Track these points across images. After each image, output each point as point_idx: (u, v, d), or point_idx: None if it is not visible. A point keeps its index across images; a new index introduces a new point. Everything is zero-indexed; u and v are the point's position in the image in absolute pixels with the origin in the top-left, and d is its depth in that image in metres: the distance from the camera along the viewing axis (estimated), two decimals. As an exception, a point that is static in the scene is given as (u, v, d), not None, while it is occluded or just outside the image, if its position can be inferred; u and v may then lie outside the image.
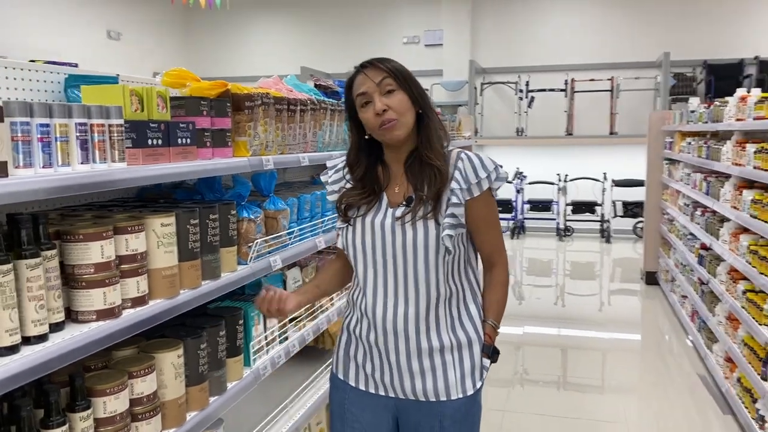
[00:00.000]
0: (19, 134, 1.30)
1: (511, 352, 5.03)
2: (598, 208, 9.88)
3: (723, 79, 9.52)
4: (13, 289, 1.30)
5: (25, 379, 1.26)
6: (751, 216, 3.44)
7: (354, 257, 1.80)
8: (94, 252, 1.51)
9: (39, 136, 1.36)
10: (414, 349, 1.74)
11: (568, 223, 10.03)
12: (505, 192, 9.97)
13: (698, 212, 4.81)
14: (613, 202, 9.82)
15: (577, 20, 10.42)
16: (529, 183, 10.07)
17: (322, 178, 1.94)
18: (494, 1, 10.65)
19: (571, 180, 9.97)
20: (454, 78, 10.57)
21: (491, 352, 1.80)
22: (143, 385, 1.67)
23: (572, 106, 10.08)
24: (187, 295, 1.82)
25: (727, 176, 4.10)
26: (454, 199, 1.69)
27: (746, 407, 3.42)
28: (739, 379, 3.59)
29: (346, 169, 1.86)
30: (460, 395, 1.75)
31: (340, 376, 1.91)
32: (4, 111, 1.26)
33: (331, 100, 2.95)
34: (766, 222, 3.24)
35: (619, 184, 9.75)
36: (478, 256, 1.86)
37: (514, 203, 10.11)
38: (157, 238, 1.72)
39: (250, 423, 2.48)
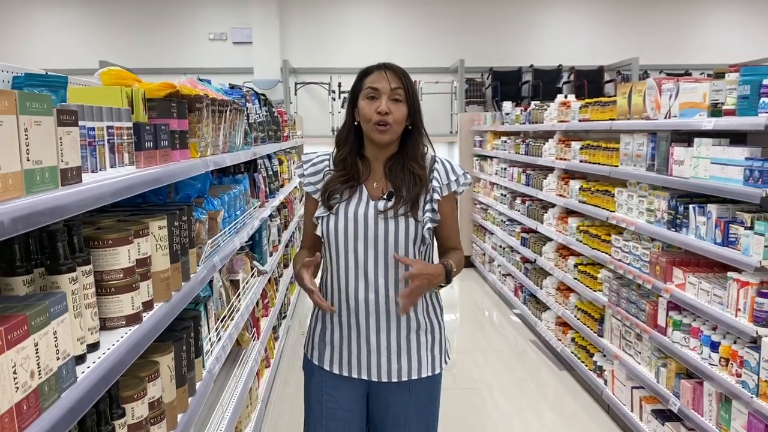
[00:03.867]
0: (87, 138, 1.27)
1: None
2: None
3: (506, 84, 10.83)
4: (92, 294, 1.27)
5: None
6: (579, 201, 4.14)
7: (335, 244, 1.92)
8: (122, 257, 1.49)
9: (89, 140, 1.33)
10: (394, 327, 1.94)
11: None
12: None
13: (518, 201, 5.57)
14: (421, 196, 10.67)
15: (383, 26, 11.08)
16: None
17: (297, 172, 2.06)
18: (300, 2, 10.88)
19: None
20: (266, 77, 10.61)
21: (448, 270, 1.91)
22: (154, 390, 1.66)
23: (381, 107, 10.71)
24: (177, 297, 1.82)
25: (550, 169, 4.85)
26: (435, 196, 1.93)
27: (583, 362, 4.12)
28: (573, 339, 4.30)
29: (325, 163, 2.01)
30: (429, 373, 1.99)
31: (315, 361, 2.04)
32: (78, 115, 1.22)
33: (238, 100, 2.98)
34: (593, 206, 3.94)
35: (425, 178, 10.61)
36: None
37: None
38: (156, 242, 1.71)
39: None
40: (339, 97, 10.58)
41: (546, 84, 10.75)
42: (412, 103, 1.90)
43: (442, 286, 1.95)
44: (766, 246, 2.33)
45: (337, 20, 11.04)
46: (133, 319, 1.52)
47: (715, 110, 2.67)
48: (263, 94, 4.55)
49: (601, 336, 3.84)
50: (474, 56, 10.68)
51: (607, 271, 3.78)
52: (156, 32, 10.66)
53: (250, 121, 3.44)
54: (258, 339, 3.61)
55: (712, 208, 2.70)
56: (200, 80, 2.77)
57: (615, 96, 3.70)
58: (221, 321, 2.63)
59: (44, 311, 1.07)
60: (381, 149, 1.96)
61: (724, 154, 2.61)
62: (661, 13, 11.41)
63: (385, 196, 1.92)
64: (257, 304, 3.74)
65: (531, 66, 10.97)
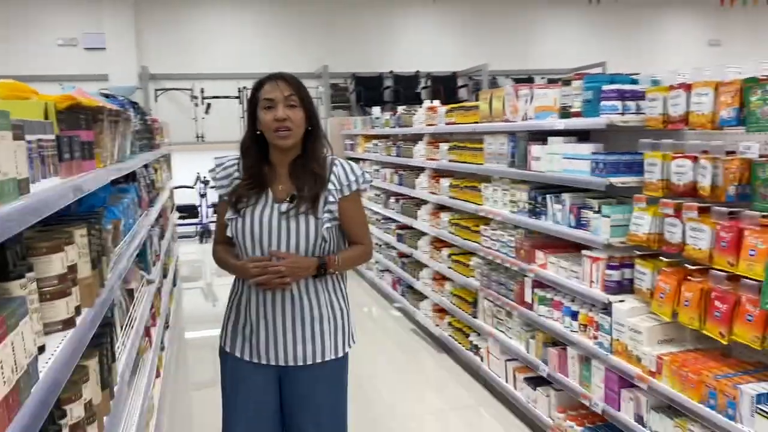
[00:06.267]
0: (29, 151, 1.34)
1: (209, 354, 5.08)
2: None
3: (369, 89, 11.25)
4: (36, 299, 1.33)
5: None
6: (450, 197, 4.52)
7: (244, 244, 2.11)
8: (56, 264, 1.55)
9: (29, 153, 1.39)
10: (298, 319, 2.13)
11: (252, 223, 10.64)
12: (190, 197, 10.10)
13: (392, 200, 5.90)
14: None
15: (246, 32, 11.05)
16: (212, 187, 10.34)
17: (210, 175, 2.23)
18: (157, 6, 10.59)
19: (251, 182, 10.59)
20: (123, 84, 10.20)
21: (322, 263, 2.10)
22: (86, 392, 1.72)
23: (247, 113, 10.69)
24: (98, 303, 1.88)
25: (421, 168, 5.21)
26: (330, 198, 2.12)
27: (460, 343, 4.50)
28: (450, 323, 4.68)
29: (234, 168, 2.17)
30: (334, 356, 2.19)
31: (228, 349, 2.21)
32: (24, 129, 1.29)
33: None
34: (462, 200, 4.33)
35: (294, 183, 10.75)
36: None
37: (199, 208, 10.29)
38: (79, 249, 1.76)
39: None
40: (203, 103, 10.44)
41: (406, 89, 11.29)
42: (308, 107, 2.08)
43: (316, 276, 2.12)
44: (612, 226, 2.77)
45: (198, 25, 10.88)
46: (69, 323, 1.58)
47: (565, 112, 3.11)
48: (136, 102, 4.50)
49: (476, 317, 4.23)
50: (338, 62, 10.97)
51: (478, 258, 4.18)
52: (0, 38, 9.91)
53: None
54: (151, 348, 3.60)
55: (566, 196, 3.13)
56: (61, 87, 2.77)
57: (476, 101, 4.10)
58: (123, 329, 2.65)
59: (14, 312, 1.15)
60: (284, 153, 2.12)
61: (573, 150, 3.05)
62: (507, 23, 12.37)
63: (287, 198, 2.10)
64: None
65: (391, 72, 11.46)
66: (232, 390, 2.20)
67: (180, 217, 10.34)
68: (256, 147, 2.13)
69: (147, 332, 3.65)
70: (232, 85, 10.68)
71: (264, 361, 2.15)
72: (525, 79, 11.72)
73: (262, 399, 2.17)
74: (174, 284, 6.12)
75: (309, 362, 2.15)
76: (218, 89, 10.58)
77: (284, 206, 2.08)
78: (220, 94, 10.54)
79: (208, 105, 10.45)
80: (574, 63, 11.94)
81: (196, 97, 10.45)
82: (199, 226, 10.28)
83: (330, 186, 2.12)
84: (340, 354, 2.21)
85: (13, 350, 1.11)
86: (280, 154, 2.13)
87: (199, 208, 10.27)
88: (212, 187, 2.24)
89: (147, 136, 4.41)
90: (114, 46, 10.26)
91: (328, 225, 2.11)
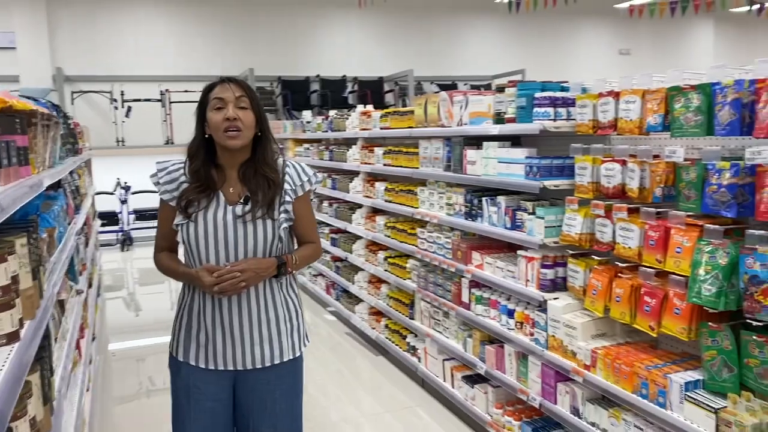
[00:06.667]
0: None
1: (133, 365, 5.07)
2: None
3: (296, 93, 11.19)
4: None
5: None
6: (385, 201, 4.58)
7: (197, 248, 2.06)
8: (0, 275, 1.48)
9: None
10: (255, 321, 2.11)
11: (177, 229, 10.34)
12: (110, 204, 9.73)
13: (326, 204, 5.90)
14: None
15: (167, 33, 10.75)
16: (134, 193, 10.03)
17: (152, 180, 2.14)
18: (72, 4, 10.15)
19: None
20: (35, 85, 9.71)
21: (281, 262, 2.09)
22: (31, 408, 1.64)
23: (170, 116, 10.41)
24: (39, 315, 1.80)
25: (355, 173, 5.24)
26: (287, 198, 2.14)
27: (397, 344, 4.56)
28: (386, 325, 4.72)
29: (180, 172, 2.12)
30: (291, 357, 2.19)
31: (181, 358, 2.15)
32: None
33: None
34: (398, 204, 4.40)
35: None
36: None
37: (119, 215, 9.92)
38: (20, 259, 1.69)
39: None
40: (123, 106, 10.08)
41: (333, 93, 11.30)
42: (258, 111, 2.08)
43: (276, 276, 2.10)
44: (546, 227, 2.89)
45: (116, 25, 10.50)
46: (14, 336, 1.51)
47: (499, 118, 3.23)
48: (57, 105, 4.32)
49: (413, 319, 4.29)
50: (263, 65, 10.85)
51: (414, 260, 4.25)
52: None
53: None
54: (81, 361, 3.46)
55: (501, 199, 3.24)
56: None
57: (403, 106, 4.18)
58: (56, 342, 2.54)
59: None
60: (234, 156, 2.11)
61: (508, 154, 3.16)
62: (431, 30, 12.61)
63: (241, 201, 2.07)
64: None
65: (318, 76, 11.44)
66: (184, 398, 2.15)
67: (101, 225, 9.98)
68: (203, 150, 2.10)
69: (77, 345, 3.50)
70: (153, 87, 10.37)
71: (221, 367, 2.11)
72: (449, 85, 11.99)
73: (215, 405, 2.13)
74: (98, 294, 5.89)
75: (267, 364, 2.13)
76: (139, 92, 10.25)
77: (239, 209, 2.06)
78: (141, 96, 10.21)
79: (129, 108, 10.09)
80: (495, 70, 12.32)
81: (115, 100, 10.08)
82: (120, 234, 9.90)
83: (286, 186, 2.14)
84: (297, 353, 2.21)
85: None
86: (229, 156, 2.11)
87: (119, 215, 9.90)
88: (156, 193, 2.14)
89: (71, 140, 4.23)
90: (25, 45, 9.75)
91: (285, 225, 2.12)
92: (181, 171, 2.13)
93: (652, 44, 14.26)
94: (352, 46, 11.96)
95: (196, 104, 2.13)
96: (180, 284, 2.24)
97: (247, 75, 10.46)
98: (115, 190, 9.86)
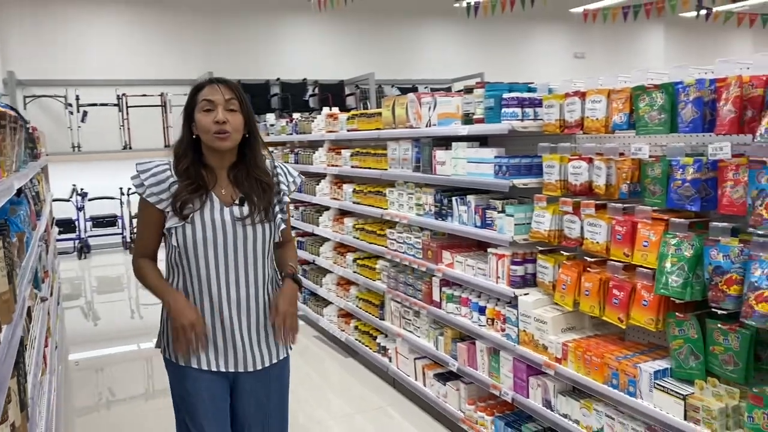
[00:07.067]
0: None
1: (92, 376, 5.00)
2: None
3: (256, 96, 11.10)
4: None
5: None
6: (353, 203, 4.60)
7: (194, 251, 2.02)
8: (-20, 278, 1.45)
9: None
10: (254, 322, 2.11)
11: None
12: (66, 211, 9.50)
13: (292, 207, 5.88)
14: (178, 211, 10.38)
15: (124, 37, 10.55)
16: (91, 199, 9.81)
17: (134, 182, 2.06)
18: (21, 8, 9.88)
19: (134, 193, 10.08)
20: (-15, 89, 9.44)
21: (296, 279, 2.19)
22: (11, 413, 1.62)
23: (127, 121, 10.22)
24: (15, 319, 1.77)
25: (322, 175, 5.24)
26: (285, 199, 2.15)
27: (367, 345, 4.57)
28: (356, 327, 4.74)
29: (167, 173, 2.05)
30: (284, 355, 2.21)
31: (182, 363, 2.08)
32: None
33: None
34: (367, 205, 4.42)
35: (181, 193, 10.40)
36: None
37: (76, 222, 9.68)
38: (-4, 262, 1.66)
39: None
40: (78, 111, 9.86)
41: (294, 97, 11.27)
42: (246, 113, 2.06)
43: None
44: (515, 225, 2.96)
45: (70, 29, 10.27)
46: (-7, 341, 1.48)
47: (468, 119, 3.28)
48: (15, 109, 4.21)
49: (383, 319, 4.32)
50: (222, 69, 10.71)
51: (384, 261, 4.28)
52: None
53: (21, 139, 3.22)
54: (47, 370, 3.38)
55: (471, 198, 3.30)
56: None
57: (365, 109, 4.21)
58: (26, 350, 2.48)
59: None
60: (223, 156, 2.09)
61: (477, 154, 3.22)
62: (392, 34, 12.70)
63: (236, 202, 2.06)
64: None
65: (278, 79, 11.39)
66: (202, 402, 2.08)
67: (94, 226, 9.77)
68: (191, 151, 2.07)
69: (44, 354, 3.42)
70: (110, 91, 10.17)
71: (222, 369, 2.08)
72: (409, 88, 12.08)
73: (218, 409, 2.10)
74: (57, 303, 5.74)
75: (266, 364, 2.13)
76: (95, 96, 10.03)
77: (237, 210, 2.05)
78: (97, 101, 10.00)
79: (85, 113, 9.87)
80: (454, 74, 12.47)
81: (70, 105, 9.84)
82: (77, 241, 9.67)
83: (282, 187, 2.15)
84: (288, 352, 2.23)
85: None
86: (218, 157, 2.09)
87: (76, 222, 9.66)
88: (138, 195, 2.08)
89: (30, 145, 4.13)
90: (-27, 48, 9.46)
91: (283, 226, 2.14)
92: (168, 172, 2.06)
93: (605, 48, 14.65)
94: (313, 50, 11.95)
95: (183, 105, 2.08)
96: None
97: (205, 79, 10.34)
98: (71, 197, 9.63)
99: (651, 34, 15.24)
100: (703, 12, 10.53)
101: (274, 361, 2.17)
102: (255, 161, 2.11)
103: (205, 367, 2.08)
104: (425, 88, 12.10)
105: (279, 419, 2.21)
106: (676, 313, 2.24)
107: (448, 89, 11.58)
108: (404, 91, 11.86)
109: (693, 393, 2.17)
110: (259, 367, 2.13)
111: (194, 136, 2.06)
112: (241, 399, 2.16)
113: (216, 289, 2.05)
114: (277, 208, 2.13)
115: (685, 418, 2.16)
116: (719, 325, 2.10)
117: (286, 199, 2.16)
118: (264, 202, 2.08)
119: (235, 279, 2.06)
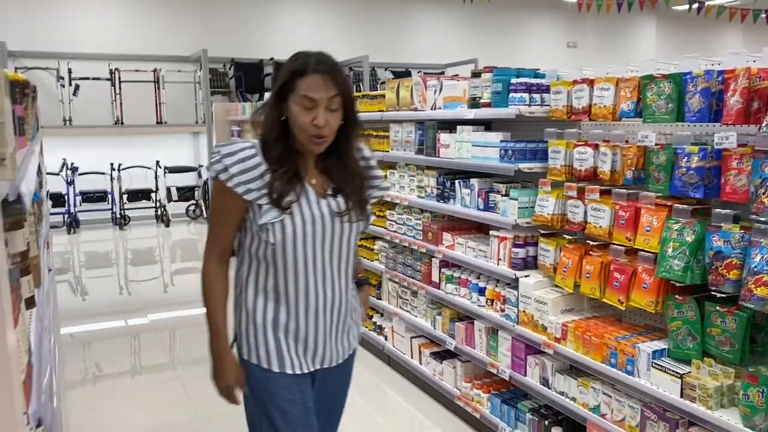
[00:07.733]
0: None
1: (79, 350, 4.96)
2: (153, 195, 10.29)
3: (249, 75, 11.06)
4: None
5: None
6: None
7: (293, 248, 1.82)
8: (18, 241, 1.49)
9: None
10: (342, 320, 1.96)
11: (126, 212, 10.13)
12: (56, 185, 9.44)
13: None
14: (168, 188, 10.37)
15: (116, 10, 10.44)
16: (81, 174, 9.75)
17: (216, 167, 1.77)
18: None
19: (124, 169, 10.07)
20: (-25, 60, 9.31)
21: (367, 282, 2.21)
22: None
23: (119, 96, 10.15)
24: (45, 284, 1.81)
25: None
26: (378, 193, 2.05)
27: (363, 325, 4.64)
28: (352, 306, 4.81)
29: (257, 159, 1.79)
30: (359, 342, 2.13)
31: (276, 369, 1.89)
32: None
33: None
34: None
35: (172, 170, 10.37)
36: None
37: (66, 197, 9.62)
38: (29, 227, 1.69)
39: None
40: (70, 84, 9.77)
41: (288, 77, 11.21)
42: (347, 108, 1.82)
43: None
44: (519, 208, 3.03)
45: (64, 1, 10.13)
46: (30, 302, 1.53)
47: (474, 103, 3.34)
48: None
49: (380, 299, 4.40)
50: (216, 46, 10.69)
51: (383, 242, 4.35)
52: None
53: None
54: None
55: (474, 181, 3.36)
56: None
57: (365, 92, 4.24)
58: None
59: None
60: None
61: (483, 138, 3.28)
62: (386, 17, 12.67)
63: (330, 193, 1.87)
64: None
65: (271, 59, 11.33)
66: (294, 406, 1.91)
67: (84, 201, 9.74)
68: (280, 132, 1.80)
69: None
70: (102, 66, 10.08)
71: (306, 369, 1.92)
72: (403, 72, 12.09)
73: (309, 412, 1.95)
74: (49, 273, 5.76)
75: (346, 356, 2.02)
76: (87, 70, 9.94)
77: (333, 203, 1.85)
78: (90, 75, 9.91)
79: (77, 87, 9.78)
80: (448, 59, 12.50)
81: (62, 78, 9.74)
82: (66, 216, 9.62)
83: (377, 182, 2.02)
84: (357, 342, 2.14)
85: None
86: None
87: (66, 197, 9.61)
88: (218, 182, 1.79)
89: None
90: (-37, 17, 9.32)
91: (372, 219, 2.06)
92: (258, 158, 1.78)
93: (597, 39, 14.74)
94: (305, 31, 11.91)
95: (277, 84, 1.81)
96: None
97: (200, 56, 10.29)
98: (61, 171, 9.57)
99: (643, 26, 15.35)
100: (696, 6, 10.63)
101: (355, 346, 2.08)
102: (350, 153, 1.90)
103: (298, 371, 1.91)
104: (418, 72, 12.12)
105: (340, 414, 2.15)
106: (676, 296, 2.33)
107: (441, 74, 11.61)
108: (397, 74, 11.87)
109: (690, 372, 2.27)
110: (341, 361, 2.01)
111: (282, 119, 1.80)
112: (319, 398, 2.02)
113: (314, 289, 1.87)
114: (372, 201, 2.02)
115: (682, 396, 2.26)
116: (718, 308, 2.19)
117: (378, 193, 2.04)
118: (360, 195, 1.91)
119: (331, 277, 1.90)
